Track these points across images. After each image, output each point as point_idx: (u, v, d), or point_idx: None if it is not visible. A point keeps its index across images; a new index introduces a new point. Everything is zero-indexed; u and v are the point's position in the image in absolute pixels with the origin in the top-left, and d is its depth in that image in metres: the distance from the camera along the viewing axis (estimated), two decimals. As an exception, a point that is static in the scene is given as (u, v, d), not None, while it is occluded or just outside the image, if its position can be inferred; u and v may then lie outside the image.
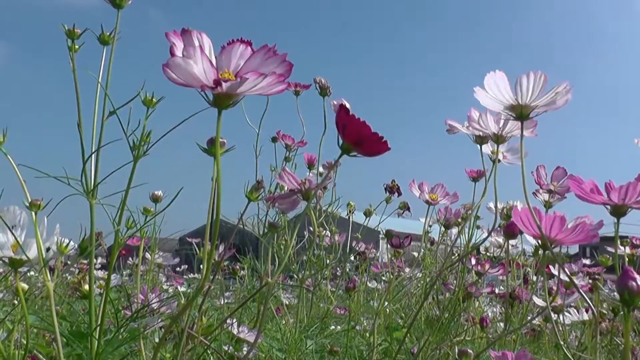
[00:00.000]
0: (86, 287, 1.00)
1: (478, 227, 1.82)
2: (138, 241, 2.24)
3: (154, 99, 0.88)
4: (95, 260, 3.09)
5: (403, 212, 1.50)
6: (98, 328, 0.93)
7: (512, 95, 0.83)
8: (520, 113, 0.85)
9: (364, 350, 1.52)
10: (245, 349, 1.53)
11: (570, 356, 0.89)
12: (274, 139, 1.63)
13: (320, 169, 1.58)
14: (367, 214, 1.55)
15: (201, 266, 3.50)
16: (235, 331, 1.52)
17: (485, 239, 1.30)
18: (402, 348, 1.20)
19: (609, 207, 0.86)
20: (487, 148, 1.12)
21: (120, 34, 0.99)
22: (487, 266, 1.49)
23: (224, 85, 0.64)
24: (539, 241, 0.91)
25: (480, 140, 1.06)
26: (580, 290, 0.85)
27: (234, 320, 1.52)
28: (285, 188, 1.08)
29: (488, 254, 1.97)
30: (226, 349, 1.54)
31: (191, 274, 4.01)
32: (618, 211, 0.85)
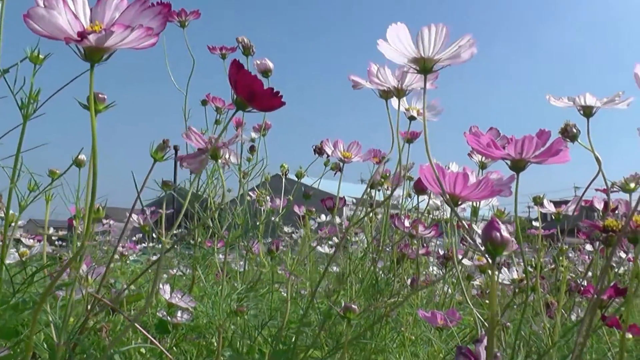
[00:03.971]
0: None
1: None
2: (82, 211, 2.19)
3: (40, 56, 0.85)
4: (55, 231, 3.01)
5: (335, 173, 1.48)
6: None
7: (414, 48, 0.82)
8: (424, 66, 0.83)
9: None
10: (179, 314, 1.52)
11: (475, 313, 0.90)
12: (204, 102, 1.61)
13: (253, 134, 1.57)
14: (299, 175, 1.53)
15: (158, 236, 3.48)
16: (167, 297, 1.51)
17: (390, 196, 1.29)
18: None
19: (508, 162, 0.85)
20: (403, 105, 1.11)
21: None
22: (420, 227, 1.49)
23: (90, 37, 0.61)
24: (445, 198, 0.91)
25: (385, 95, 1.05)
26: (478, 246, 0.84)
27: (164, 285, 1.52)
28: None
29: (432, 216, 1.97)
30: (160, 315, 1.53)
31: (149, 243, 3.99)
32: (517, 165, 0.85)
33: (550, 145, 0.84)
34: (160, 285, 1.52)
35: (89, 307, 0.97)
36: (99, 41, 0.62)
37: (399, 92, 1.01)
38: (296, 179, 1.69)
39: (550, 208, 1.36)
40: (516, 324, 1.34)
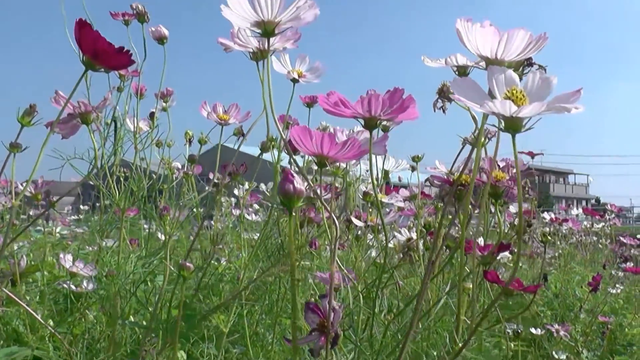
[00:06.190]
0: None
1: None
2: (5, 182, 2.15)
3: None
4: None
5: (239, 138, 1.48)
6: None
7: (253, 11, 0.82)
8: (265, 29, 0.83)
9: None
10: (84, 283, 1.52)
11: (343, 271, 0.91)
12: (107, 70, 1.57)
13: (164, 103, 1.56)
14: (202, 142, 1.53)
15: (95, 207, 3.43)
16: (67, 265, 1.51)
17: (259, 155, 1.30)
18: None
19: (361, 120, 0.86)
20: (282, 68, 1.11)
21: None
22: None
23: None
24: (315, 159, 0.92)
25: (255, 57, 1.04)
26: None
27: (66, 255, 1.51)
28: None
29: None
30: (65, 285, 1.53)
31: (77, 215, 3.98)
32: (369, 124, 0.86)
33: (401, 102, 0.85)
34: (62, 255, 1.52)
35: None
36: None
37: (262, 54, 1.01)
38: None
39: (441, 168, 1.38)
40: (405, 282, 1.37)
